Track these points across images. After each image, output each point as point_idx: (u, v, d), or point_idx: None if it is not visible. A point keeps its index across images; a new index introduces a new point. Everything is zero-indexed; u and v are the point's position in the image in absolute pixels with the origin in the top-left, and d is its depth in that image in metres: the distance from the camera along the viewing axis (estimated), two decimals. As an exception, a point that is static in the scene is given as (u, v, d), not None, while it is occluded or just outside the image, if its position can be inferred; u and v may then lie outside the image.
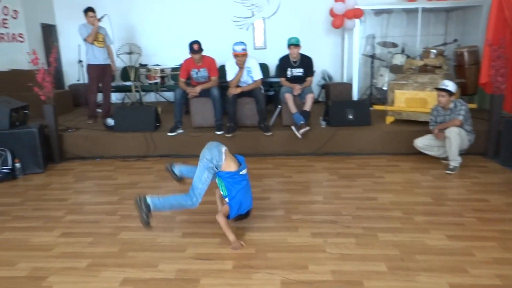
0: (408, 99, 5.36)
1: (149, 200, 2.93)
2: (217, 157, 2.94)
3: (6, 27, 7.38)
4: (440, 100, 4.52)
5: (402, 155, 5.09)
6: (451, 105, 4.53)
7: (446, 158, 4.60)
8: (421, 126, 5.08)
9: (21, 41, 7.43)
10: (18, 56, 7.20)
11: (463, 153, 4.54)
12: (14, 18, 7.35)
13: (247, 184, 3.05)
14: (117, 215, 3.54)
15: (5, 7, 7.29)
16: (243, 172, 3.02)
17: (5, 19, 7.34)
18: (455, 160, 4.41)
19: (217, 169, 2.96)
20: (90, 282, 2.51)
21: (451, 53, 6.77)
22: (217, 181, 3.06)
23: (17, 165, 4.70)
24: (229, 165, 2.98)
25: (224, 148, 3.03)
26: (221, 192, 3.05)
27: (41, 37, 7.83)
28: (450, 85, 4.47)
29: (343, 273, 2.52)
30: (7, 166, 4.61)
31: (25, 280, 2.56)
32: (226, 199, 3.01)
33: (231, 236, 2.89)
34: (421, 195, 3.81)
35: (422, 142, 4.75)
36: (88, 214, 3.60)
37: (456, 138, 4.32)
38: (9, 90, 6.38)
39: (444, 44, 6.98)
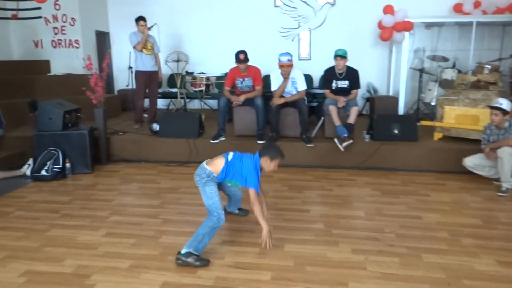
0: (459, 116, 5.15)
1: (185, 250, 2.76)
2: (201, 172, 2.99)
3: (64, 34, 7.82)
4: (493, 119, 4.30)
5: (450, 173, 4.88)
6: (506, 124, 4.30)
7: (497, 179, 4.37)
8: (471, 144, 4.86)
9: (77, 47, 7.84)
10: (74, 61, 7.61)
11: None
12: (72, 25, 7.77)
13: (241, 158, 3.05)
14: (159, 219, 3.61)
15: (64, 14, 7.73)
16: (230, 156, 3.05)
17: (64, 26, 7.79)
18: (507, 182, 4.17)
19: (212, 178, 2.98)
20: (131, 283, 2.57)
21: (507, 69, 6.46)
22: (229, 185, 3.12)
23: (67, 165, 4.92)
24: (216, 164, 3.01)
25: (204, 162, 3.08)
26: (239, 187, 3.18)
27: (95, 43, 8.22)
28: (505, 104, 4.25)
29: (384, 293, 2.43)
30: (58, 165, 4.83)
31: (70, 276, 2.66)
32: (246, 187, 3.01)
33: (265, 226, 2.91)
34: (470, 217, 3.62)
35: (472, 161, 4.53)
36: (131, 216, 3.70)
37: (509, 158, 4.09)
38: (63, 93, 6.74)
39: (500, 59, 6.67)
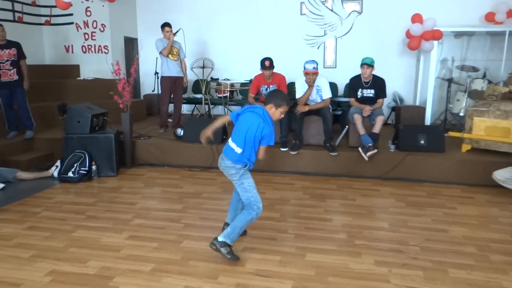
0: (489, 127, 5.01)
1: (222, 239, 2.84)
2: (235, 159, 2.94)
3: (94, 39, 8.04)
4: None
5: (478, 186, 4.74)
6: (539, 137, 4.16)
7: (529, 194, 4.22)
8: (501, 157, 4.72)
9: (106, 53, 8.04)
10: (102, 66, 7.79)
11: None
12: (102, 31, 7.97)
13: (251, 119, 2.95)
14: (181, 223, 3.64)
15: (94, 21, 7.94)
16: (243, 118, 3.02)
17: (94, 32, 8.00)
18: (540, 197, 4.02)
19: (247, 165, 2.96)
20: (153, 286, 2.59)
21: (540, 80, 6.25)
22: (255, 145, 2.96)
23: (93, 167, 5.03)
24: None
25: (229, 145, 3.06)
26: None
27: (123, 49, 8.41)
28: (538, 115, 4.11)
29: (408, 308, 2.37)
30: (85, 167, 4.94)
31: (94, 278, 2.70)
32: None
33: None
34: (499, 232, 3.50)
35: (503, 175, 4.39)
36: (154, 220, 3.74)
37: (543, 172, 3.95)
38: (92, 97, 6.91)
39: (532, 70, 6.47)
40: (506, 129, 4.87)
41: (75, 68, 8.13)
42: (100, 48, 8.07)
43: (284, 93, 3.05)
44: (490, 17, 7.01)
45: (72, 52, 8.20)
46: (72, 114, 5.13)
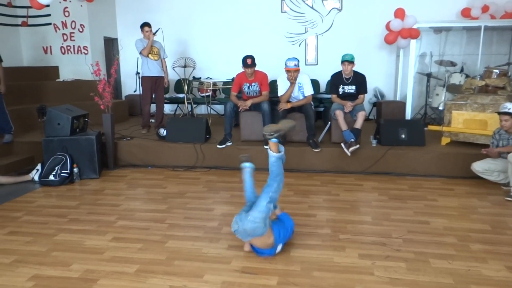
0: (467, 120, 5.12)
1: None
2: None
3: (73, 40, 7.92)
4: (504, 125, 4.27)
5: (457, 178, 4.84)
6: (515, 128, 4.27)
7: (506, 184, 4.33)
8: (479, 149, 4.81)
9: (85, 53, 7.93)
10: (82, 67, 7.69)
11: (526, 180, 4.25)
12: (80, 31, 7.86)
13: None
14: (165, 223, 3.62)
15: (73, 21, 7.83)
16: None
17: (72, 33, 7.89)
18: (517, 187, 4.13)
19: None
20: (138, 287, 2.57)
21: (515, 73, 6.41)
22: None
23: (75, 170, 4.96)
24: None
25: None
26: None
27: (103, 49, 8.31)
28: (513, 107, 4.22)
29: (392, 299, 2.41)
30: (66, 170, 4.87)
31: (78, 281, 2.67)
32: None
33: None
34: (478, 222, 3.58)
35: (481, 166, 4.49)
36: (138, 221, 3.71)
37: (519, 163, 4.06)
38: (72, 98, 6.82)
39: (508, 64, 6.62)
40: (483, 122, 4.99)
41: (54, 70, 8.00)
42: (79, 48, 7.95)
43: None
44: (466, 13, 7.16)
45: (51, 54, 8.06)
46: (52, 117, 5.05)
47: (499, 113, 4.30)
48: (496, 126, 4.54)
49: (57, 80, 7.82)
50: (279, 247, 2.93)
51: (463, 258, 2.90)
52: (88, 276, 2.73)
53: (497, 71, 5.76)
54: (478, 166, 4.51)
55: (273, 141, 3.08)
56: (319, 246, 3.12)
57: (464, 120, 5.15)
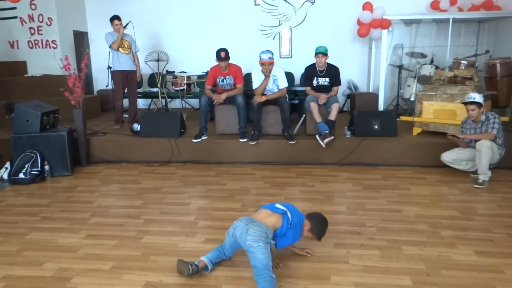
0: (437, 111, 5.25)
1: None
2: (263, 230, 2.53)
3: (40, 34, 7.68)
4: (471, 114, 4.39)
5: (429, 167, 4.97)
6: (483, 118, 4.40)
7: (474, 172, 4.47)
8: (449, 139, 4.95)
9: (54, 48, 7.71)
10: (51, 61, 7.46)
11: (492, 167, 4.40)
12: (49, 25, 7.63)
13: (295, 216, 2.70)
14: (140, 219, 3.58)
15: (40, 14, 7.58)
16: (289, 214, 2.67)
17: (40, 26, 7.64)
18: (484, 174, 4.27)
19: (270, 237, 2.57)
20: (113, 284, 2.54)
21: (483, 64, 6.62)
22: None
23: (46, 167, 4.84)
24: (271, 222, 2.62)
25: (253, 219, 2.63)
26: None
27: (73, 43, 8.09)
28: (477, 97, 4.34)
29: (366, 286, 2.46)
30: (37, 168, 4.74)
31: (51, 280, 2.61)
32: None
33: None
34: (448, 209, 3.70)
35: (450, 156, 4.62)
36: (112, 217, 3.65)
37: (487, 151, 4.19)
38: (41, 94, 6.62)
39: (475, 55, 6.82)
40: (452, 112, 5.13)
41: (22, 65, 7.74)
42: (47, 43, 7.72)
43: (326, 227, 2.75)
44: (435, 5, 7.31)
45: (18, 48, 7.80)
46: (20, 113, 4.89)
47: (465, 103, 4.42)
48: (464, 116, 4.67)
49: (25, 75, 7.57)
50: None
51: (434, 244, 2.99)
52: (62, 274, 2.67)
53: (465, 62, 5.94)
54: (447, 157, 4.63)
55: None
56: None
57: (434, 111, 5.28)
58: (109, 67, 7.37)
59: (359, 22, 7.00)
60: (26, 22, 7.64)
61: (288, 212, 2.68)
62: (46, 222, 3.57)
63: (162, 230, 3.33)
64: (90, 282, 2.58)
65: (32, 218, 3.67)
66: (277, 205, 2.74)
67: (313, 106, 5.16)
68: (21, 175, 4.67)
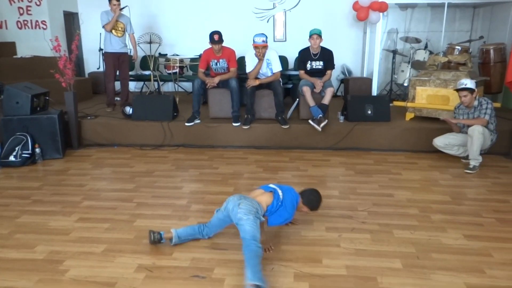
0: (430, 96, 5.26)
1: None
2: (255, 206, 2.62)
3: (29, 14, 7.52)
4: (464, 100, 4.39)
5: (421, 152, 5.01)
6: (475, 103, 4.41)
7: (465, 157, 4.51)
8: (441, 124, 4.97)
9: (44, 28, 7.56)
10: (41, 43, 7.33)
11: (483, 153, 4.44)
12: (38, 5, 7.47)
13: (287, 194, 2.79)
14: (133, 203, 3.57)
15: (29, -6, 7.40)
16: (280, 193, 2.76)
17: (29, 6, 7.48)
18: (475, 160, 4.31)
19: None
20: (106, 267, 2.54)
21: (477, 50, 6.62)
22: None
23: (37, 150, 4.78)
24: (262, 202, 2.71)
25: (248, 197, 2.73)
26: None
27: (63, 24, 7.94)
28: (469, 82, 4.34)
29: (357, 268, 2.49)
30: (28, 150, 4.70)
31: (43, 262, 2.61)
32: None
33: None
34: (439, 194, 3.74)
35: (442, 141, 4.65)
36: (104, 201, 3.64)
37: (479, 137, 4.21)
38: (31, 76, 6.51)
39: (470, 40, 6.82)
40: (445, 97, 5.14)
41: (11, 46, 7.59)
42: (37, 23, 7.57)
43: (320, 202, 2.86)
44: (431, -11, 7.24)
45: (6, 28, 7.63)
46: (10, 95, 4.81)
47: (457, 90, 4.42)
48: (457, 101, 4.69)
49: (14, 56, 7.43)
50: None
51: (424, 228, 3.03)
52: (54, 257, 2.67)
53: (459, 47, 5.94)
54: (439, 142, 4.66)
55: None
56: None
57: (428, 96, 5.28)
58: (101, 49, 7.27)
59: (357, 6, 6.92)
60: (14, 2, 7.47)
61: (279, 191, 2.76)
62: (37, 205, 3.55)
63: (155, 214, 3.33)
64: (82, 264, 2.58)
65: (23, 201, 3.64)
66: (271, 185, 2.86)
67: (306, 90, 5.13)
68: (12, 158, 4.63)
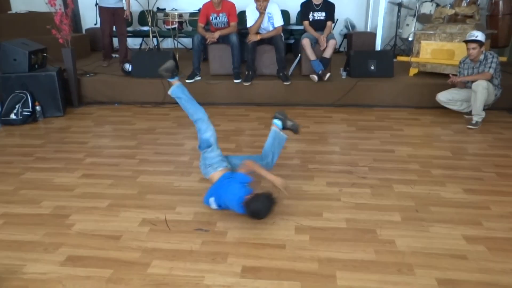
0: (435, 51, 5.15)
1: None
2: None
3: (22, -33, 7.23)
4: (472, 53, 4.28)
5: (423, 108, 4.97)
6: (481, 57, 4.32)
7: (469, 113, 4.48)
8: (445, 79, 4.89)
9: (38, -18, 7.28)
10: (35, -3, 7.09)
11: (487, 108, 4.40)
12: (30, -43, 7.16)
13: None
14: (135, 159, 3.60)
15: None
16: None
17: (21, -41, 7.18)
18: (478, 115, 4.28)
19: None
20: (110, 221, 2.60)
21: (485, 1, 6.40)
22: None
23: (37, 108, 4.77)
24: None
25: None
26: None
27: (57, -22, 7.65)
28: (480, 35, 4.22)
29: (356, 221, 2.54)
30: (28, 108, 4.68)
31: (49, 217, 2.66)
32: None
33: (277, 179, 2.62)
34: (440, 149, 3.74)
35: (445, 96, 4.60)
36: (107, 157, 3.67)
37: (483, 92, 4.16)
38: (27, 32, 6.36)
39: (478, -9, 6.57)
40: (451, 51, 5.03)
41: (5, 1, 7.36)
42: (30, -23, 7.30)
43: (264, 211, 2.46)
44: None
45: (-1, -17, 7.38)
46: (7, 51, 4.73)
47: (467, 42, 4.31)
48: (463, 56, 4.59)
49: (9, 12, 7.23)
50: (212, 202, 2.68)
51: (424, 183, 3.06)
52: (60, 212, 2.72)
53: (467, -1, 5.73)
54: (443, 97, 4.61)
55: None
56: (288, 176, 3.20)
57: (432, 50, 5.17)
58: (97, 4, 7.04)
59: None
60: (5, -46, 7.18)
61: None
62: (41, 162, 3.58)
63: (157, 170, 3.36)
64: (88, 219, 2.63)
65: (26, 158, 3.67)
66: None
67: (306, 43, 5.02)
68: (13, 116, 4.62)
